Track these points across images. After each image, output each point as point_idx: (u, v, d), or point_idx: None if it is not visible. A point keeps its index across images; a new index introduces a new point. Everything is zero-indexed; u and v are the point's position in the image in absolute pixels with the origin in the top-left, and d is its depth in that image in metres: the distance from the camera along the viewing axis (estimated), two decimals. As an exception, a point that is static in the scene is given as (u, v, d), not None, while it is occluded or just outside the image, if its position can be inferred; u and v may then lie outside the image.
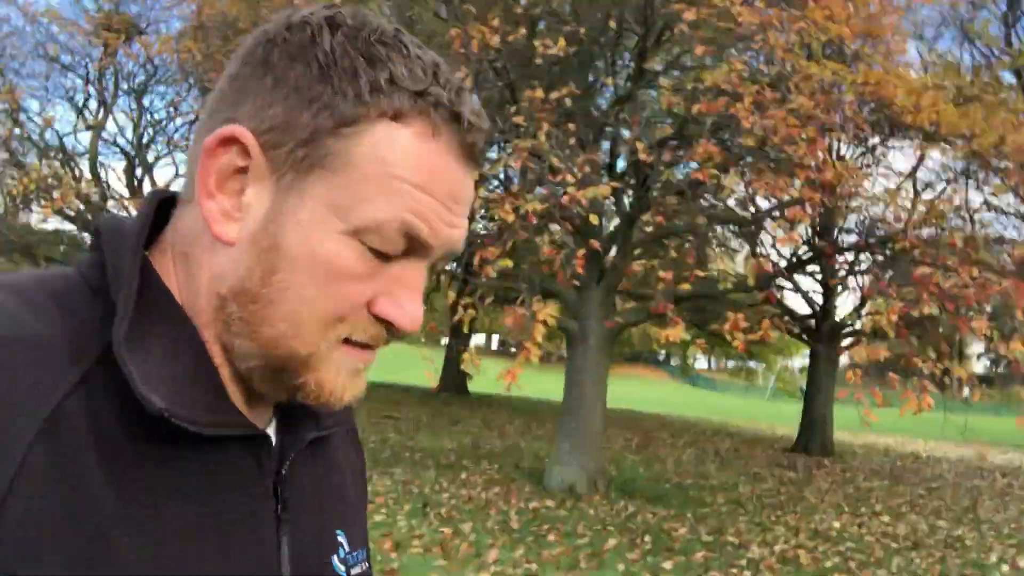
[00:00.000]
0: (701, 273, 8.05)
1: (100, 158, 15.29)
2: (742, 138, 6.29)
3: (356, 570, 0.67)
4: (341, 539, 0.66)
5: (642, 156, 6.69)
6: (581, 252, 6.57)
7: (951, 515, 8.83)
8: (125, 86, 15.70)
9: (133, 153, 16.35)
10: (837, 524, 7.71)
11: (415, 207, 0.53)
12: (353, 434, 0.77)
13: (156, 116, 16.80)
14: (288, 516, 0.60)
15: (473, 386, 20.37)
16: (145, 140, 16.59)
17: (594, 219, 7.14)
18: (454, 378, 20.17)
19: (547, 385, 16.98)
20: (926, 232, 9.03)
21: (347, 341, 0.56)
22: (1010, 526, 8.39)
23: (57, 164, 13.82)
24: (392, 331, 0.56)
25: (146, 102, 16.84)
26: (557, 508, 7.16)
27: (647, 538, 6.35)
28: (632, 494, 8.16)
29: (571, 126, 6.68)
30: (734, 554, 6.15)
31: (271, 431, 0.62)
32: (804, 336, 15.61)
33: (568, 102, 6.57)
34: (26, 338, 0.49)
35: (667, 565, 5.55)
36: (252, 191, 0.54)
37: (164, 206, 0.59)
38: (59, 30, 13.84)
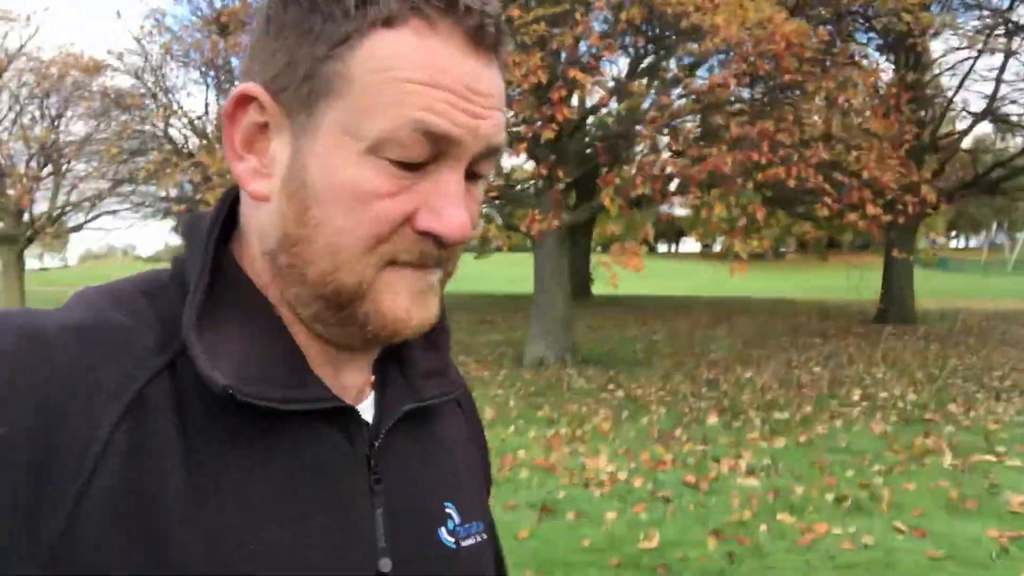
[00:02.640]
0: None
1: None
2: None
3: (468, 542, 0.64)
4: (450, 510, 0.63)
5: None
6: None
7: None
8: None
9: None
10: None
11: (427, 103, 0.50)
12: (467, 404, 0.75)
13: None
14: (382, 488, 0.58)
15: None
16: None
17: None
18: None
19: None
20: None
21: (397, 263, 0.54)
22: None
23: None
24: (441, 244, 0.54)
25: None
26: (530, 379, 8.96)
27: (593, 397, 8.05)
28: (593, 363, 9.89)
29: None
30: (643, 407, 7.62)
31: (367, 405, 0.61)
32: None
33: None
34: (113, 328, 0.51)
35: (602, 412, 7.15)
36: (276, 143, 0.54)
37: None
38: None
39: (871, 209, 8.87)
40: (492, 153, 0.55)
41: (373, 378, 0.63)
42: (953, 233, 75.87)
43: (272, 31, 0.53)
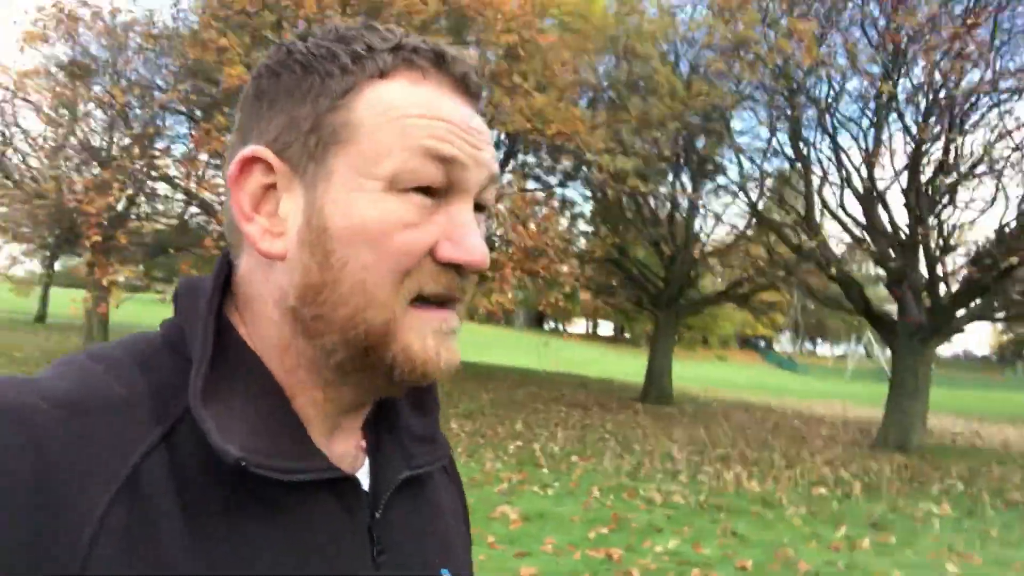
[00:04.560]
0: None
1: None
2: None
3: None
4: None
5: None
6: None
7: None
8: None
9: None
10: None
11: (431, 132, 0.53)
12: (451, 467, 0.75)
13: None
14: (386, 559, 0.58)
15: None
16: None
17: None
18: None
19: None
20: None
21: (423, 301, 0.54)
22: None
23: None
24: (462, 273, 0.55)
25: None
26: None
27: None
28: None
29: None
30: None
31: (363, 474, 0.60)
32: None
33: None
34: (104, 401, 0.49)
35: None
36: (286, 201, 0.54)
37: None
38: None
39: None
40: (494, 182, 0.58)
41: (364, 444, 0.62)
42: (818, 340, 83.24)
43: (265, 104, 0.55)
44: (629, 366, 26.71)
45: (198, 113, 9.86)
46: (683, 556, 5.00)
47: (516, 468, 7.57)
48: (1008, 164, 10.33)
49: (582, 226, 18.63)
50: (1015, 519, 6.81)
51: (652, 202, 14.92)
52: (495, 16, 9.09)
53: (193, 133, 9.38)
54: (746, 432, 12.05)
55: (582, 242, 17.62)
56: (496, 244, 9.78)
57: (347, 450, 0.60)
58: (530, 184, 17.14)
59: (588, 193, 16.51)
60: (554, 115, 8.67)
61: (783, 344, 78.20)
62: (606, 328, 74.05)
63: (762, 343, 75.29)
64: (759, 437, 11.52)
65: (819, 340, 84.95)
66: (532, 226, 9.55)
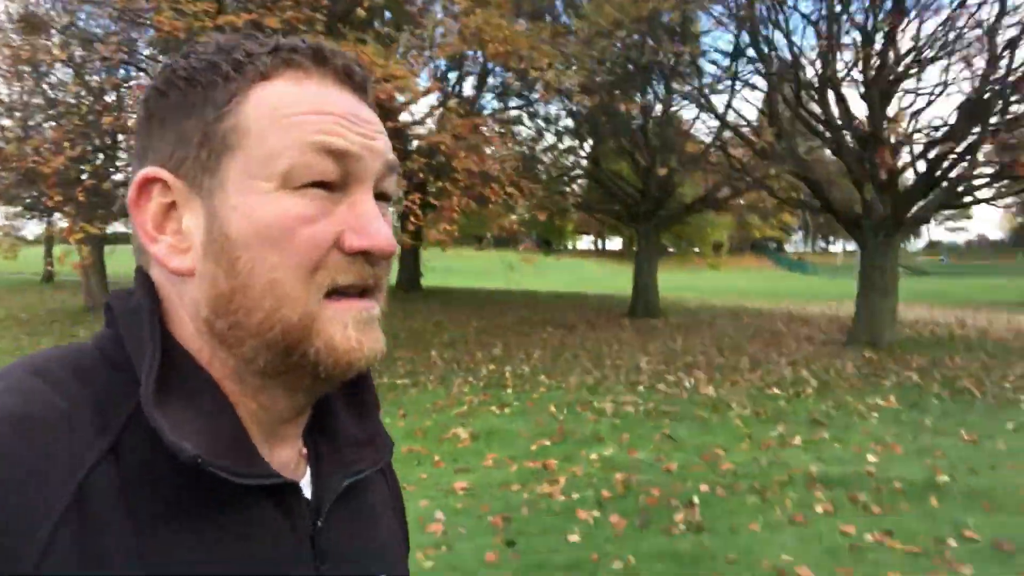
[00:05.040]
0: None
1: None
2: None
3: None
4: None
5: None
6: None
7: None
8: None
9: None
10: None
11: (319, 127, 0.54)
12: (388, 468, 0.76)
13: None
14: (327, 568, 0.58)
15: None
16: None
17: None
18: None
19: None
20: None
21: (339, 294, 0.55)
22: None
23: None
24: (372, 260, 0.56)
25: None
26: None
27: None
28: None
29: None
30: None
31: (305, 483, 0.61)
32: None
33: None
34: (48, 415, 0.48)
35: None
36: (187, 217, 0.55)
37: None
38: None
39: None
40: (392, 170, 0.58)
41: (305, 451, 0.63)
42: (831, 238, 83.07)
43: (156, 121, 0.56)
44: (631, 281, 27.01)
45: (143, 65, 9.85)
46: (615, 462, 5.32)
47: (482, 391, 7.91)
48: (952, 49, 10.16)
49: (567, 142, 18.47)
50: (957, 408, 7.06)
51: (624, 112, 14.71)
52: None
53: (135, 85, 9.43)
54: (724, 339, 12.33)
55: (571, 160, 17.62)
56: (441, 172, 9.83)
57: (288, 459, 0.61)
58: (513, 101, 17.04)
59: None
60: (494, 33, 8.56)
61: (795, 245, 78.39)
62: (617, 243, 74.29)
63: (773, 246, 75.27)
64: (734, 343, 11.80)
65: (831, 238, 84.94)
66: (487, 150, 9.59)
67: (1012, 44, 9.53)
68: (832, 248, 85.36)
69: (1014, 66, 9.55)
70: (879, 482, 4.80)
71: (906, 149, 10.46)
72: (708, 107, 13.54)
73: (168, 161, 0.55)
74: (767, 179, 12.63)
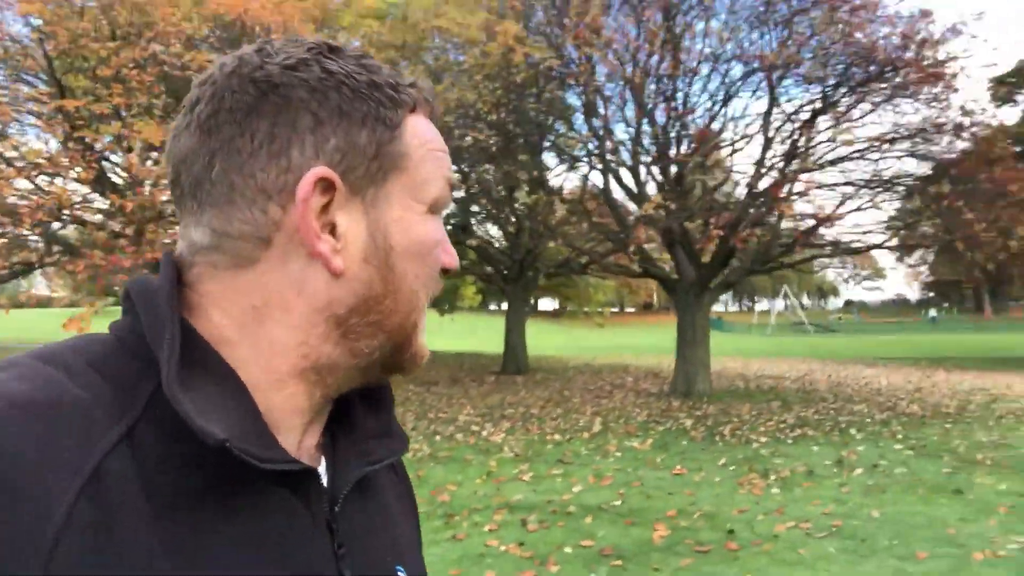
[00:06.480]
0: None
1: None
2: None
3: None
4: (401, 574, 0.66)
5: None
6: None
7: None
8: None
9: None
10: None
11: (447, 163, 0.64)
12: (399, 464, 0.78)
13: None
14: (345, 552, 0.60)
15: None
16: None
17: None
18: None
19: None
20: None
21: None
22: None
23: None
24: (445, 276, 0.65)
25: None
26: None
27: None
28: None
29: None
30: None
31: (321, 471, 0.62)
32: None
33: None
34: (63, 402, 0.49)
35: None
36: (343, 220, 0.58)
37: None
38: None
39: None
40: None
41: (322, 440, 0.64)
42: (756, 297, 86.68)
43: (308, 119, 0.56)
44: (532, 339, 28.01)
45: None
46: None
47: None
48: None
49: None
50: (695, 448, 8.07)
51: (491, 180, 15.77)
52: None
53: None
54: (564, 392, 13.36)
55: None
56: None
57: (312, 444, 0.62)
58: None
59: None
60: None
61: (723, 305, 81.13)
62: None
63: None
64: (569, 396, 12.81)
65: (756, 298, 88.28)
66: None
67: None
68: (758, 307, 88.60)
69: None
70: (557, 506, 5.73)
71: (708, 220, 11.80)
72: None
73: (336, 164, 0.57)
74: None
